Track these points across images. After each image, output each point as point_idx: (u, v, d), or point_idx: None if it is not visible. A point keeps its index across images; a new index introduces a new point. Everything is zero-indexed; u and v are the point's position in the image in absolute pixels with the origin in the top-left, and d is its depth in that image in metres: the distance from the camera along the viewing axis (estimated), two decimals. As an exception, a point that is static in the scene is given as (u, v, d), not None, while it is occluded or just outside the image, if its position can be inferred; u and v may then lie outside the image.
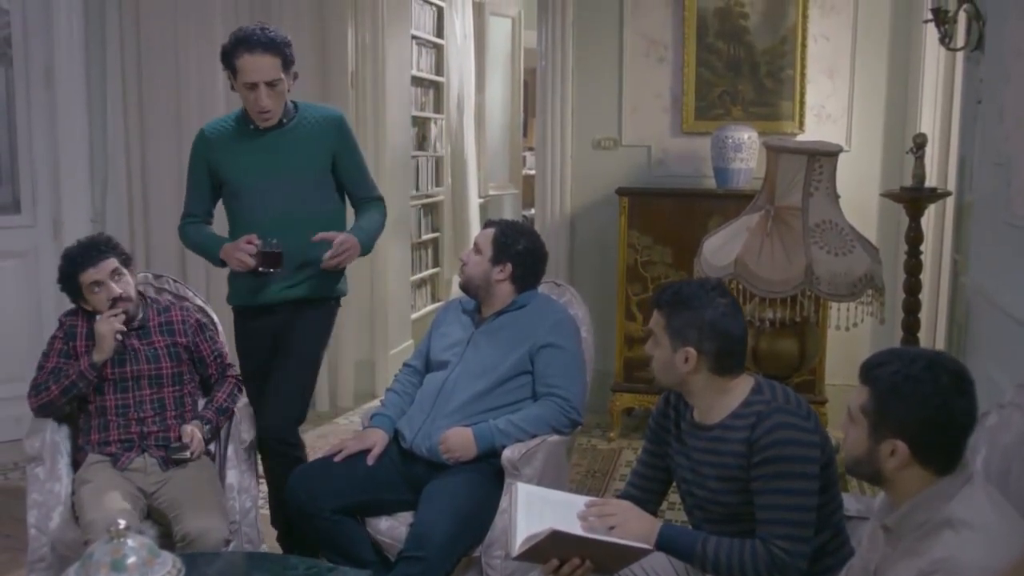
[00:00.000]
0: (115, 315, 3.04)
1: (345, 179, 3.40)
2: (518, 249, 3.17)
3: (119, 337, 3.03)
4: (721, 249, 3.06)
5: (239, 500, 3.13)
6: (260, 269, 3.14)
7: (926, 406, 1.71)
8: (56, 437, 3.10)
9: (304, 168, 3.26)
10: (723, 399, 2.27)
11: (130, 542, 2.06)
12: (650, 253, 4.87)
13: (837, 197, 3.12)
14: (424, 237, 6.75)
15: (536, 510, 2.25)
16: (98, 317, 3.05)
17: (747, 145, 4.76)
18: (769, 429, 2.15)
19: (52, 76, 4.79)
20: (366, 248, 3.37)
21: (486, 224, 3.35)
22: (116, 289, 3.07)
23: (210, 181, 3.36)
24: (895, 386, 1.73)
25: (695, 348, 2.24)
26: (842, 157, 3.37)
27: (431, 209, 6.86)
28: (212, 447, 3.26)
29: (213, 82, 4.93)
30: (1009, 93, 2.89)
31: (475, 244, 3.24)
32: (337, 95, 5.40)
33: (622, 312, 4.98)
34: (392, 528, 2.97)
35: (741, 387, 2.27)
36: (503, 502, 2.88)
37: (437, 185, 6.97)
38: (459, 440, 2.96)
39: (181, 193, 4.95)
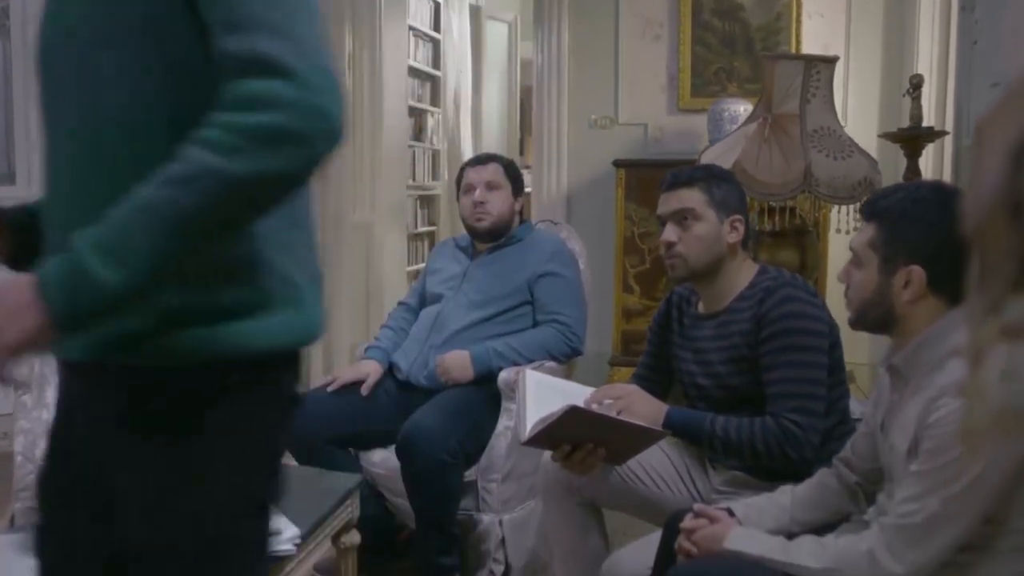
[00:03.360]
0: None
1: None
2: (521, 180, 3.21)
3: None
4: (718, 159, 3.04)
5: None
6: None
7: (939, 224, 1.67)
8: (44, 369, 3.04)
9: None
10: (733, 282, 2.25)
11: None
12: (647, 224, 4.84)
13: (834, 107, 3.11)
14: (420, 229, 6.73)
15: (544, 396, 2.21)
16: None
17: (743, 117, 4.74)
18: (777, 302, 2.12)
19: (49, 48, 4.80)
20: None
21: (481, 159, 3.27)
22: None
23: None
24: (905, 211, 1.71)
25: (740, 215, 2.26)
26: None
27: (428, 202, 6.84)
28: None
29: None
30: (1008, 14, 2.88)
31: (486, 182, 3.13)
32: (334, 77, 5.41)
33: (619, 285, 4.94)
34: (386, 459, 2.92)
35: (747, 271, 2.26)
36: (499, 425, 2.84)
37: (434, 179, 6.96)
38: (456, 361, 2.91)
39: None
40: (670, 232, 2.28)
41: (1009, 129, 0.58)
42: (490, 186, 3.13)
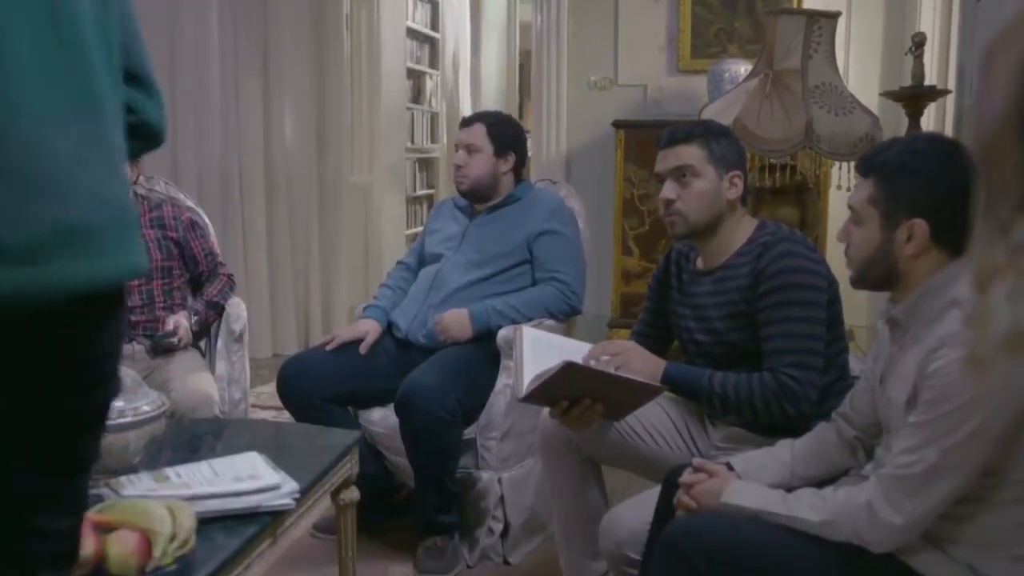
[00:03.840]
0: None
1: None
2: (511, 137, 3.12)
3: None
4: (719, 115, 3.01)
5: (229, 391, 3.07)
6: None
7: (938, 176, 1.66)
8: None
9: None
10: (731, 238, 2.23)
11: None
12: (646, 186, 4.82)
13: (836, 63, 3.09)
14: (419, 192, 6.71)
15: (542, 352, 2.20)
16: None
17: (743, 78, 4.72)
18: (775, 257, 2.10)
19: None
20: None
21: (467, 121, 3.20)
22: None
23: None
24: (903, 164, 1.68)
25: (739, 171, 2.24)
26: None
27: (426, 164, 6.81)
28: (203, 344, 3.21)
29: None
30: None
31: (466, 145, 3.10)
32: (332, 38, 5.37)
33: (619, 247, 4.93)
34: (385, 418, 2.92)
35: (746, 226, 2.24)
36: (497, 383, 2.84)
37: (432, 141, 6.93)
38: (455, 319, 2.90)
39: (175, 124, 4.96)
40: (669, 189, 2.24)
41: (1018, 48, 0.56)
42: (469, 149, 3.08)
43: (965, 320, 0.68)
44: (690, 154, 2.23)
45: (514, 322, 2.86)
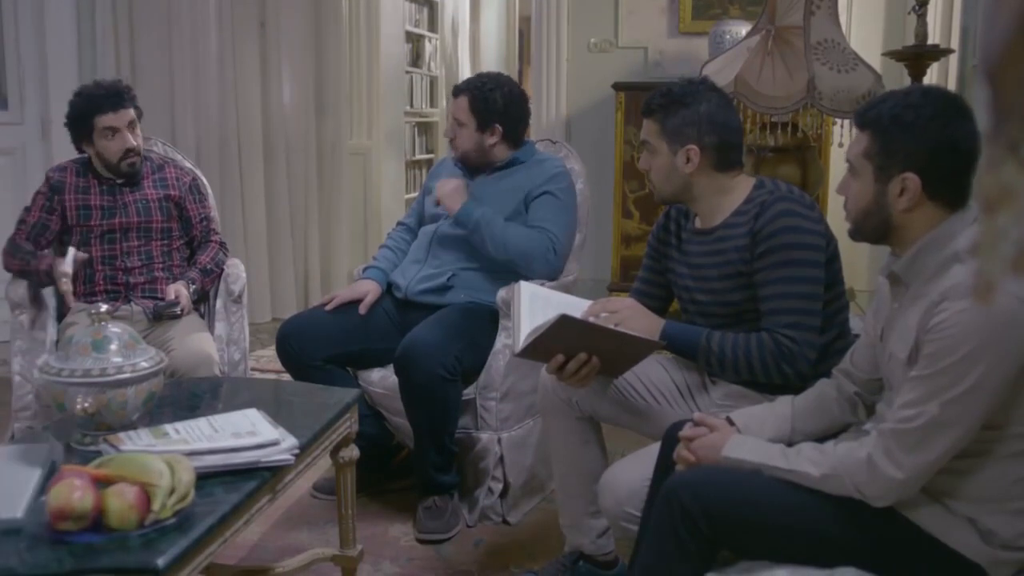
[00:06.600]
0: (66, 281, 2.84)
1: None
2: (498, 108, 3.01)
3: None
4: (719, 72, 2.98)
5: (228, 352, 3.07)
6: None
7: (931, 130, 1.64)
8: (41, 289, 3.04)
9: None
10: (726, 199, 2.20)
11: (111, 327, 2.00)
12: (647, 149, 4.78)
13: (839, 19, 3.06)
14: (418, 156, 6.68)
15: (539, 308, 2.19)
16: (63, 264, 2.86)
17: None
18: (772, 217, 2.08)
19: (38, -30, 4.70)
20: None
21: (455, 91, 3.11)
22: (132, 140, 3.00)
23: None
24: (896, 117, 1.67)
25: (696, 144, 2.17)
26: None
27: (425, 128, 6.77)
28: (201, 306, 3.20)
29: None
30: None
31: (454, 117, 3.05)
32: (330, 0, 5.32)
33: (619, 211, 4.91)
34: (384, 378, 2.92)
35: (743, 186, 2.21)
36: (497, 343, 2.83)
37: (432, 106, 6.89)
38: (455, 189, 2.93)
39: (172, 87, 4.93)
40: (642, 160, 2.30)
41: None
42: (456, 122, 3.04)
43: (971, 247, 0.67)
44: (648, 129, 2.26)
45: (491, 239, 2.86)
